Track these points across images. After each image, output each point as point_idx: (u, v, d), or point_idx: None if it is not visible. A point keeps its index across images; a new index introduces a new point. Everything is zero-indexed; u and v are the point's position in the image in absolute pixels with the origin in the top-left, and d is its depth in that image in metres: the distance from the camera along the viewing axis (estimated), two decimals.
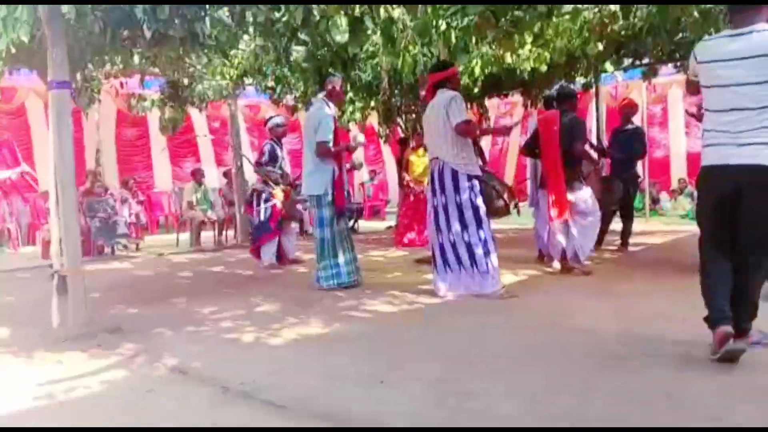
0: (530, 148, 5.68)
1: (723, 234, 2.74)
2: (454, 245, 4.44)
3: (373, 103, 8.19)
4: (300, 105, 8.47)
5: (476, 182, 4.43)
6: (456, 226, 4.41)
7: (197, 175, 9.33)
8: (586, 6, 5.53)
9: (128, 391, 2.73)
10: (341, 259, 5.02)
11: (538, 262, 5.97)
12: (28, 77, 6.39)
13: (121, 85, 7.71)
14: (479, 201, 4.40)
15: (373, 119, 10.52)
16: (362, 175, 13.90)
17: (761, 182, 2.58)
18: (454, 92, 4.41)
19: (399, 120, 8.75)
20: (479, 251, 4.36)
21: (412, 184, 8.00)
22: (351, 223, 9.49)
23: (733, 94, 2.63)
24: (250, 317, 4.11)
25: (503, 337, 3.40)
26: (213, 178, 11.50)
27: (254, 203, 6.64)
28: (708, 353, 2.68)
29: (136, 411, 2.50)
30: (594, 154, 5.83)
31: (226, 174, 10.34)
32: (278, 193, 6.50)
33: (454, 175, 4.40)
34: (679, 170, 13.35)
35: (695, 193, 12.07)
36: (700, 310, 2.74)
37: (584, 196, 5.28)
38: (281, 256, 6.64)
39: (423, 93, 5.45)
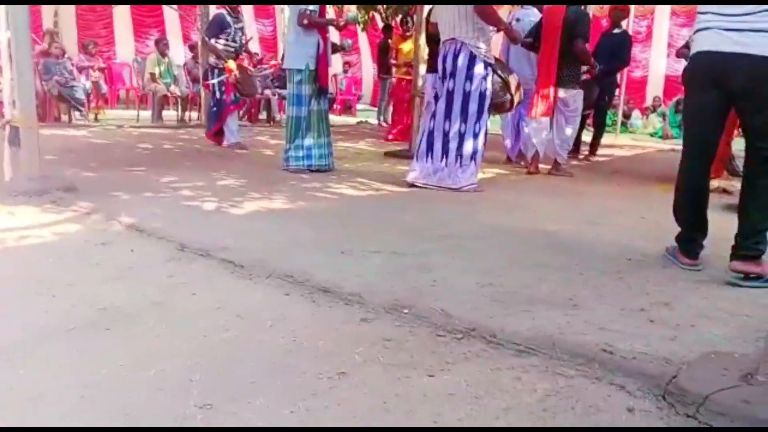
0: (531, 40, 5.32)
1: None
2: (446, 134, 4.29)
3: None
4: None
5: (490, 71, 4.25)
6: (456, 115, 4.25)
7: (161, 46, 8.75)
8: None
9: (82, 243, 2.67)
10: (314, 140, 4.87)
11: (507, 162, 5.97)
12: None
13: None
14: (488, 92, 4.25)
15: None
16: (336, 66, 13.40)
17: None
18: None
19: (380, 7, 8.33)
20: (469, 144, 4.26)
21: (397, 73, 7.69)
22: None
23: None
24: (211, 189, 4.03)
25: (465, 220, 3.43)
26: (178, 54, 10.90)
27: (209, 78, 6.27)
28: (661, 249, 2.74)
29: (90, 259, 2.45)
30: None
31: (192, 47, 9.74)
32: (230, 64, 6.06)
33: (471, 59, 4.16)
34: (655, 91, 13.27)
35: (666, 113, 12.09)
36: (659, 211, 2.76)
37: (576, 95, 5.20)
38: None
39: None
